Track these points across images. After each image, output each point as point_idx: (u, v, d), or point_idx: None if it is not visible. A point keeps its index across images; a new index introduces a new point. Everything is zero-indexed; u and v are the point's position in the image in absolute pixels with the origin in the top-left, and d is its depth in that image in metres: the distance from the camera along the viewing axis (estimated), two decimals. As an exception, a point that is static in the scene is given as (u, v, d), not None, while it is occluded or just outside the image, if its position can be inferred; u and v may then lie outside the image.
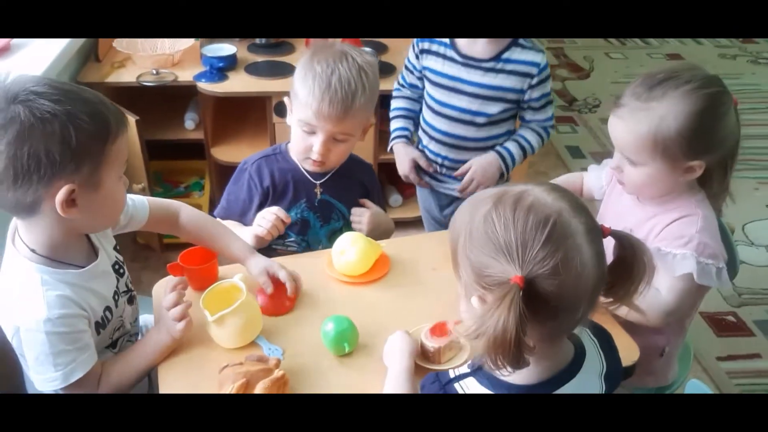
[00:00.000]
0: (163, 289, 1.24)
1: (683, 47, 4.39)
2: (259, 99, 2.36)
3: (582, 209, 0.85)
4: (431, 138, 1.84)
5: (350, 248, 1.37)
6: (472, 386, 0.91)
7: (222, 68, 2.36)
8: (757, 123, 3.47)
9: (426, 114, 1.84)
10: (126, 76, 2.30)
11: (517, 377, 0.87)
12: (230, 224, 1.50)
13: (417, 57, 1.79)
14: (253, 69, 2.40)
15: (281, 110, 2.29)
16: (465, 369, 0.94)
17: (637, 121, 1.20)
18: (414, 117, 1.89)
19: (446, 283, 1.18)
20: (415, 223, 2.54)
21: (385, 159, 2.41)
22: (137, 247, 2.47)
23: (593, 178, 1.52)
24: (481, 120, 1.74)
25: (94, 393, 1.14)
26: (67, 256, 1.12)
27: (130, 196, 1.24)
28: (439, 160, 1.85)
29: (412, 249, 1.48)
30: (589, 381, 0.95)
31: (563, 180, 1.58)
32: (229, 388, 1.05)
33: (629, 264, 0.88)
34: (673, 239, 1.24)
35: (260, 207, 1.52)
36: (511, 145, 1.78)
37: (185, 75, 2.34)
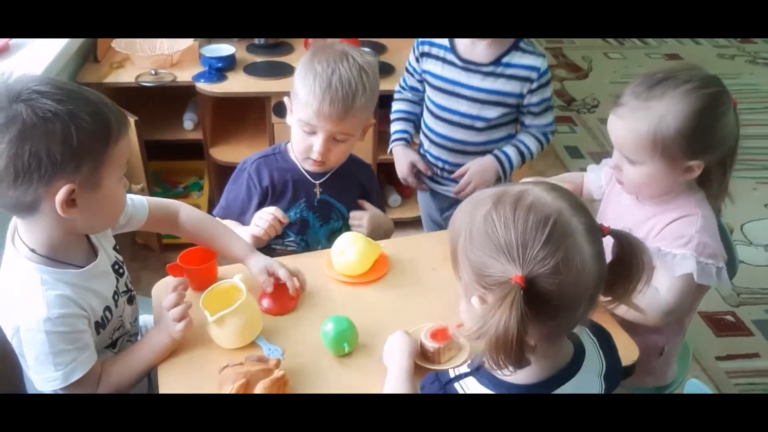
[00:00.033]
0: (163, 289, 1.24)
1: (682, 47, 4.39)
2: (258, 99, 2.36)
3: (581, 208, 0.85)
4: (432, 142, 1.83)
5: (350, 248, 1.37)
6: (472, 386, 0.91)
7: (221, 68, 2.36)
8: (755, 123, 3.48)
9: (426, 118, 1.84)
10: (125, 76, 2.30)
11: (517, 376, 0.87)
12: (229, 224, 1.49)
13: (417, 60, 1.79)
14: (251, 69, 2.40)
15: (280, 110, 2.29)
16: (465, 369, 0.94)
17: (636, 120, 1.21)
18: (414, 120, 1.89)
19: (446, 283, 1.18)
20: (414, 224, 2.54)
21: (384, 159, 2.41)
22: (136, 248, 2.47)
23: (593, 178, 1.52)
24: (480, 124, 1.74)
25: (94, 393, 1.14)
26: (66, 256, 1.12)
27: (129, 196, 1.24)
28: (440, 164, 1.84)
29: (411, 249, 1.48)
30: (588, 380, 0.95)
31: (561, 178, 1.57)
32: (229, 389, 1.05)
33: (628, 263, 0.89)
34: (672, 239, 1.24)
35: (259, 207, 1.52)
36: (509, 150, 1.77)
37: (184, 75, 2.34)
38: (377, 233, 1.54)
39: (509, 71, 1.67)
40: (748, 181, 3.00)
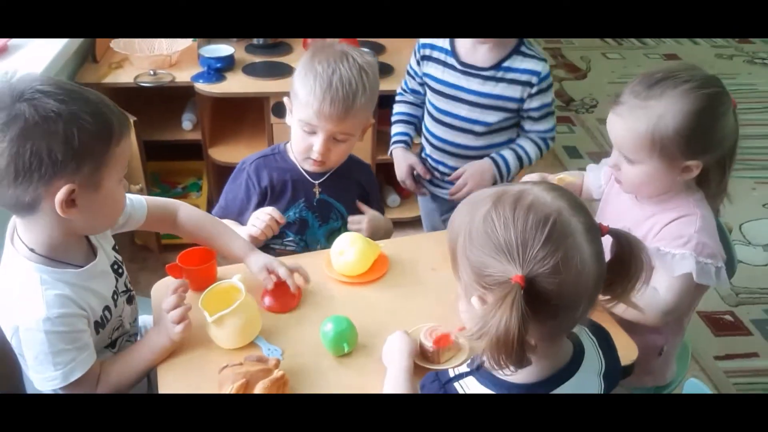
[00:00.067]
0: (163, 289, 1.24)
1: (680, 47, 4.40)
2: (256, 99, 2.36)
3: (581, 208, 0.85)
4: (432, 146, 1.83)
5: (349, 248, 1.37)
6: (471, 385, 0.91)
7: (219, 69, 2.36)
8: (753, 123, 3.48)
9: (427, 122, 1.83)
10: (123, 76, 2.30)
11: (517, 376, 0.87)
12: (228, 224, 1.49)
13: (418, 63, 1.77)
14: (250, 69, 2.40)
15: (279, 111, 2.29)
16: (464, 368, 0.94)
17: (635, 119, 1.21)
18: (415, 122, 1.88)
19: (445, 283, 1.18)
20: (413, 224, 2.54)
21: (383, 159, 2.41)
22: (135, 248, 2.46)
23: (592, 178, 1.52)
24: (480, 129, 1.73)
25: (93, 393, 1.14)
26: (66, 256, 1.12)
27: (128, 196, 1.24)
28: (441, 168, 1.83)
29: (410, 249, 1.48)
30: (588, 380, 0.95)
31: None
32: (229, 389, 1.05)
33: (627, 262, 0.89)
34: (672, 239, 1.24)
35: (258, 207, 1.52)
36: (507, 153, 1.75)
37: (183, 76, 2.34)
38: (376, 236, 1.54)
39: (510, 75, 1.66)
40: (747, 181, 3.00)
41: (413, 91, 1.86)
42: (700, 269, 1.21)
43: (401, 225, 2.55)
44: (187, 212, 1.38)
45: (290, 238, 1.57)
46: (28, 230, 1.09)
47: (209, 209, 1.54)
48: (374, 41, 2.65)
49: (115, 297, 1.21)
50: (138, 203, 1.30)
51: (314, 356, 1.19)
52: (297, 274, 1.32)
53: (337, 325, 1.18)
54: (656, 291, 1.25)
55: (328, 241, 1.52)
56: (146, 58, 2.30)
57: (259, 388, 1.05)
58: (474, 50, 1.67)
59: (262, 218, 1.45)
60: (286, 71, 2.37)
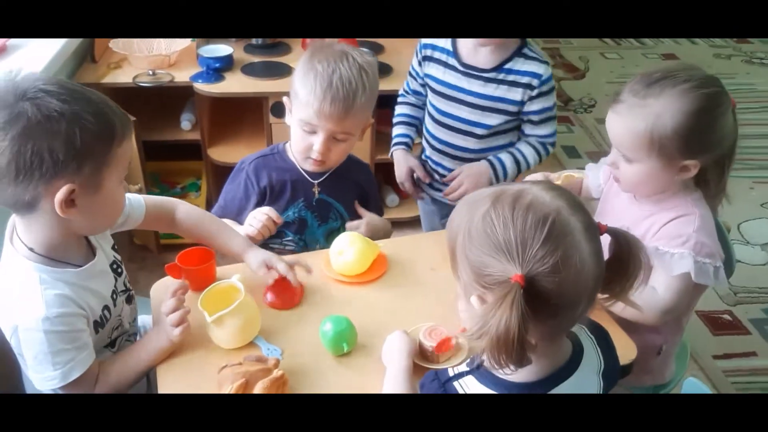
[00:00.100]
0: (162, 290, 1.24)
1: (678, 47, 4.40)
2: (255, 99, 2.36)
3: (579, 207, 0.85)
4: (433, 148, 1.82)
5: (348, 248, 1.37)
6: (471, 384, 0.91)
7: (218, 69, 2.36)
8: (752, 123, 3.49)
9: (428, 123, 1.82)
10: (122, 76, 2.30)
11: (517, 375, 0.88)
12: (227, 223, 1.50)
13: (420, 64, 1.76)
14: (249, 69, 2.40)
15: (278, 111, 2.29)
16: (464, 367, 0.94)
17: (633, 117, 1.21)
18: (417, 124, 1.87)
19: (444, 282, 1.18)
20: (412, 223, 2.55)
21: (382, 159, 2.41)
22: (134, 248, 2.46)
23: (591, 177, 1.52)
24: (481, 131, 1.71)
25: (92, 392, 1.14)
26: (65, 255, 1.12)
27: (126, 195, 1.24)
28: (440, 170, 1.82)
29: (409, 249, 1.48)
30: (587, 378, 0.95)
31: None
32: (228, 389, 1.05)
33: (625, 260, 0.89)
34: (670, 238, 1.24)
35: (257, 206, 1.52)
36: (504, 157, 1.73)
37: (181, 76, 2.34)
38: (375, 238, 1.53)
39: (511, 77, 1.64)
40: (745, 181, 3.01)
41: (415, 93, 1.85)
42: (698, 269, 1.21)
43: (400, 225, 2.55)
44: (185, 210, 1.38)
45: (289, 238, 1.57)
46: (27, 230, 1.09)
47: (208, 209, 1.54)
48: (373, 41, 2.65)
49: (114, 296, 1.21)
50: (136, 202, 1.30)
51: (314, 356, 1.19)
52: (298, 267, 1.32)
53: (337, 324, 1.18)
54: (655, 290, 1.25)
55: (327, 241, 1.52)
56: (145, 58, 2.30)
57: (258, 388, 1.05)
58: (476, 51, 1.65)
59: (259, 218, 1.45)
60: (285, 71, 2.37)
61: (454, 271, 0.91)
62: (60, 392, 1.13)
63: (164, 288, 1.25)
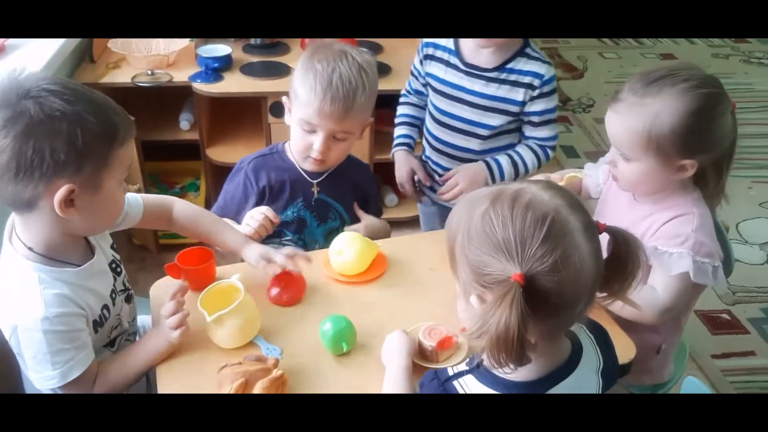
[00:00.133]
0: (161, 290, 1.24)
1: (676, 47, 4.41)
2: (254, 99, 2.36)
3: (578, 206, 0.86)
4: (433, 148, 1.81)
5: (347, 248, 1.37)
6: (471, 383, 0.91)
7: (217, 69, 2.36)
8: (750, 122, 3.49)
9: (428, 123, 1.81)
10: (121, 76, 2.30)
11: (516, 374, 0.88)
12: (226, 223, 1.50)
13: (421, 63, 1.75)
14: (248, 69, 2.40)
15: (277, 110, 2.29)
16: (463, 366, 0.94)
17: (632, 116, 1.21)
18: (419, 124, 1.86)
19: (443, 282, 1.19)
20: (411, 223, 2.55)
21: (381, 159, 2.42)
22: (133, 248, 2.46)
23: (590, 177, 1.52)
24: (482, 132, 1.70)
25: (90, 392, 1.14)
26: (64, 255, 1.12)
27: (124, 194, 1.25)
28: (439, 170, 1.81)
29: (408, 248, 1.48)
30: (586, 377, 0.95)
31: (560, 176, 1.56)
32: (228, 388, 1.05)
33: (624, 259, 0.89)
34: (669, 238, 1.24)
35: (257, 206, 1.52)
36: (502, 159, 1.70)
37: (180, 76, 2.34)
38: (374, 239, 1.53)
39: (513, 77, 1.63)
40: (744, 180, 3.01)
41: (417, 92, 1.84)
42: (697, 268, 1.22)
43: (399, 225, 2.55)
44: (182, 208, 1.38)
45: (288, 238, 1.57)
46: (26, 229, 1.09)
47: (207, 209, 1.54)
48: (372, 41, 2.65)
49: (114, 296, 1.21)
50: (134, 201, 1.30)
51: (313, 355, 1.19)
52: (298, 257, 1.32)
53: (336, 324, 1.18)
54: (654, 290, 1.25)
55: (326, 241, 1.52)
56: (144, 58, 2.30)
57: (258, 388, 1.05)
58: (478, 50, 1.64)
59: (256, 217, 1.45)
60: (283, 71, 2.37)
61: (453, 270, 0.91)
62: (59, 392, 1.13)
63: (164, 288, 1.25)
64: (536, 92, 1.63)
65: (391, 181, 2.16)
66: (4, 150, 0.96)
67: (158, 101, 2.50)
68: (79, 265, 1.14)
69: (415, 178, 1.82)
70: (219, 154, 2.49)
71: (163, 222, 1.38)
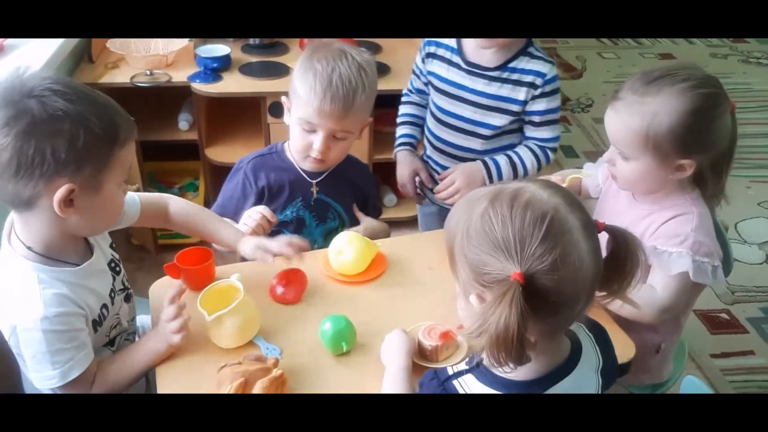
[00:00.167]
0: (161, 290, 1.24)
1: (675, 47, 4.41)
2: (253, 99, 2.36)
3: (577, 205, 0.86)
4: (434, 148, 1.79)
5: (347, 248, 1.37)
6: (470, 383, 0.92)
7: (216, 69, 2.35)
8: (749, 122, 3.50)
9: (429, 122, 1.79)
10: (119, 76, 2.29)
11: (516, 373, 0.88)
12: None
13: (423, 61, 1.74)
14: (247, 69, 2.40)
15: (276, 110, 2.29)
16: (463, 366, 0.94)
17: (631, 115, 1.21)
18: (421, 124, 1.84)
19: (443, 281, 1.19)
20: (410, 223, 2.55)
21: (380, 159, 2.42)
22: (132, 248, 2.46)
23: (589, 177, 1.52)
24: (484, 132, 1.68)
25: (89, 392, 1.14)
26: (63, 254, 1.12)
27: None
28: (439, 170, 1.79)
29: (408, 248, 1.48)
30: (585, 376, 0.95)
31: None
32: (228, 388, 1.05)
33: (623, 258, 0.89)
34: (668, 238, 1.24)
35: (255, 206, 1.52)
36: (500, 159, 1.69)
37: (179, 76, 2.33)
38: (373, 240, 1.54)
39: (515, 76, 1.62)
40: (742, 180, 3.02)
41: (419, 91, 1.83)
42: (696, 268, 1.22)
43: (398, 225, 2.55)
44: (178, 205, 1.39)
45: (287, 238, 1.57)
46: (25, 228, 1.09)
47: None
48: (371, 41, 2.65)
49: (113, 295, 1.21)
50: (131, 200, 1.31)
51: (313, 355, 1.19)
52: (293, 243, 1.32)
53: (336, 324, 1.18)
54: (653, 289, 1.25)
55: (325, 241, 1.52)
56: (142, 58, 2.29)
57: (257, 388, 1.05)
58: (480, 49, 1.62)
59: (254, 217, 1.45)
60: (282, 71, 2.37)
61: (452, 270, 0.91)
62: (59, 392, 1.13)
63: (163, 288, 1.25)
64: (538, 91, 1.62)
65: (391, 181, 2.16)
66: (5, 148, 0.96)
67: (157, 101, 2.50)
68: (78, 265, 1.14)
69: (417, 179, 1.80)
70: (218, 154, 2.48)
71: (160, 220, 1.38)
